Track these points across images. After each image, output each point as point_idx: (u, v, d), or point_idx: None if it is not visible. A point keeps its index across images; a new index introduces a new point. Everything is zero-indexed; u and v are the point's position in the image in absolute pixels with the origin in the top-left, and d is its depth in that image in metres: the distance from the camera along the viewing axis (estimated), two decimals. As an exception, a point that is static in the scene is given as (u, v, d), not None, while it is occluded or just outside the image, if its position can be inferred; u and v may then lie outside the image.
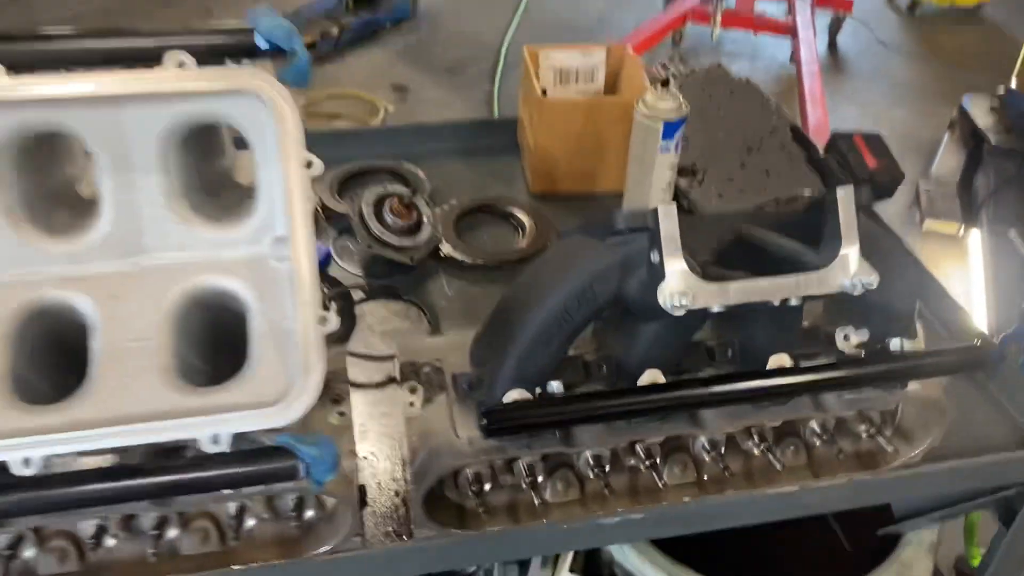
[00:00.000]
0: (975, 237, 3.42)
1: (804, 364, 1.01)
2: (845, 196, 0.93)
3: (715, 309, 0.91)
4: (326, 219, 1.69)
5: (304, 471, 0.84)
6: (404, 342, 1.07)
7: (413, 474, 1.02)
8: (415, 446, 1.03)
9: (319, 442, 0.84)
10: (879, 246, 0.99)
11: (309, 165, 0.79)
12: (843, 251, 0.93)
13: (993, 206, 3.47)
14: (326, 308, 0.83)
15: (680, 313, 0.88)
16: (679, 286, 0.88)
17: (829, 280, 0.92)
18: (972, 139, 3.61)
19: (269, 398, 0.79)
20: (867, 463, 1.19)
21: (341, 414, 1.04)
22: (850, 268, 0.92)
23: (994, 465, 1.26)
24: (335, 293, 1.49)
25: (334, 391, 1.04)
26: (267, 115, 0.78)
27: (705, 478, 1.16)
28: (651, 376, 1.00)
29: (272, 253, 0.84)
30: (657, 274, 0.89)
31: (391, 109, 4.08)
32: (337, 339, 1.43)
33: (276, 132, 0.77)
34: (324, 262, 1.58)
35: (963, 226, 3.49)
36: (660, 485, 1.11)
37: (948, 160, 3.72)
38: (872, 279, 0.91)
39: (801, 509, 1.24)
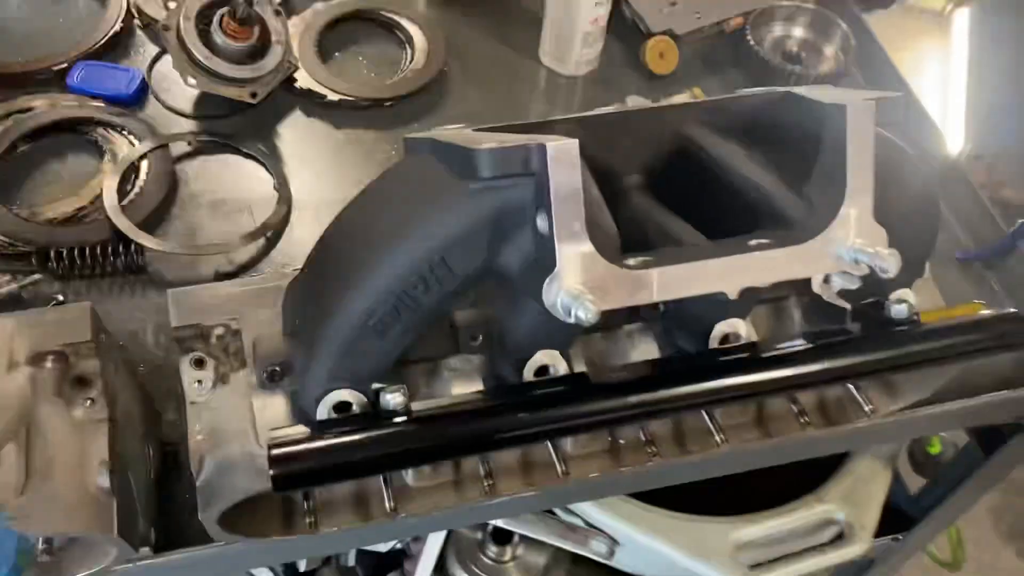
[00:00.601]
0: (962, 16, 3.00)
1: (768, 349, 0.69)
2: (859, 115, 0.57)
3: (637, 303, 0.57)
4: (143, 29, 1.25)
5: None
6: (180, 292, 0.72)
7: (199, 489, 0.71)
8: (201, 449, 0.71)
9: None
10: (894, 175, 0.65)
11: None
12: (846, 209, 0.58)
13: (987, -23, 3.02)
14: None
15: (579, 321, 0.54)
16: (576, 282, 0.54)
17: (819, 257, 0.58)
18: None
19: None
20: (835, 418, 0.91)
21: (90, 402, 0.71)
22: (852, 235, 0.58)
23: (987, 407, 0.99)
24: (147, 149, 1.10)
25: (76, 369, 0.71)
26: None
27: (621, 443, 0.88)
28: (544, 359, 0.68)
29: None
30: (546, 254, 0.55)
31: None
32: (152, 215, 1.07)
33: None
34: (136, 97, 1.16)
35: (950, 3, 3.06)
36: (560, 462, 0.83)
37: (943, -84, 3.19)
38: (888, 262, 0.57)
39: (738, 467, 0.98)
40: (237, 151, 1.15)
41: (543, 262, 0.55)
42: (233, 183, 1.12)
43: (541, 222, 0.55)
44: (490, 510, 0.87)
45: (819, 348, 0.68)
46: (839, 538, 1.20)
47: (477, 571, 1.23)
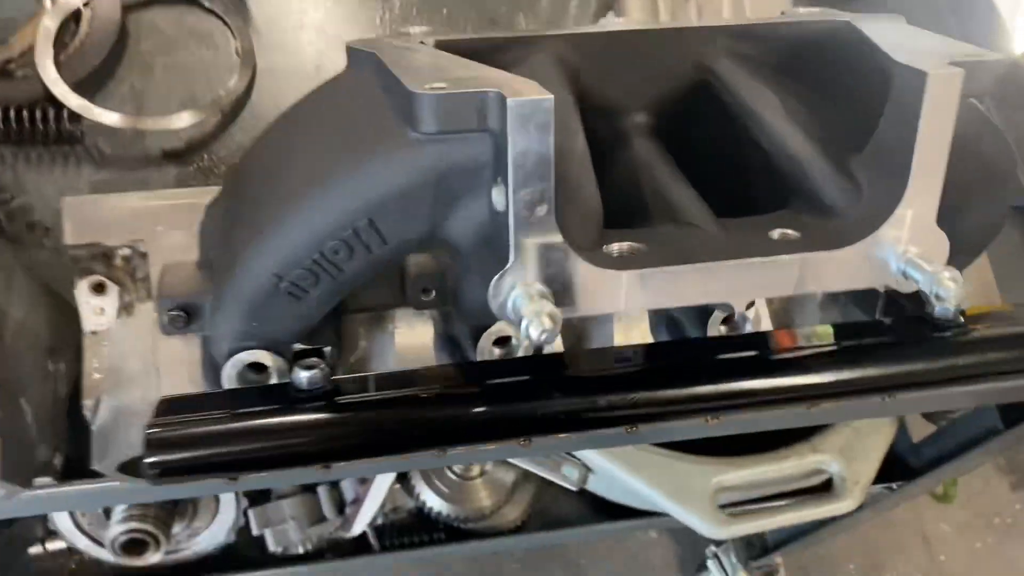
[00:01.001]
0: None
1: (780, 350, 0.56)
2: (941, 89, 0.42)
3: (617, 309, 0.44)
4: None
5: None
6: (77, 202, 0.60)
7: (94, 435, 0.61)
8: (99, 388, 0.61)
9: None
10: (969, 150, 0.50)
11: None
12: (904, 208, 0.44)
13: None
14: None
15: (531, 341, 0.41)
16: (535, 281, 0.41)
17: (859, 266, 0.45)
18: None
19: None
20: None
21: (-31, 323, 0.60)
22: (906, 241, 0.45)
23: (1019, 388, 0.87)
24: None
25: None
26: None
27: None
28: (506, 329, 0.56)
29: None
30: (499, 242, 0.41)
31: None
32: (93, 75, 0.92)
33: None
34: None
35: None
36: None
37: None
38: (948, 288, 0.43)
39: (725, 431, 0.87)
40: (197, 4, 0.98)
41: (496, 249, 0.42)
42: (190, 43, 0.97)
43: (497, 196, 0.41)
44: (441, 461, 0.78)
45: (842, 353, 0.55)
46: (829, 492, 1.12)
47: (442, 487, 1.15)
